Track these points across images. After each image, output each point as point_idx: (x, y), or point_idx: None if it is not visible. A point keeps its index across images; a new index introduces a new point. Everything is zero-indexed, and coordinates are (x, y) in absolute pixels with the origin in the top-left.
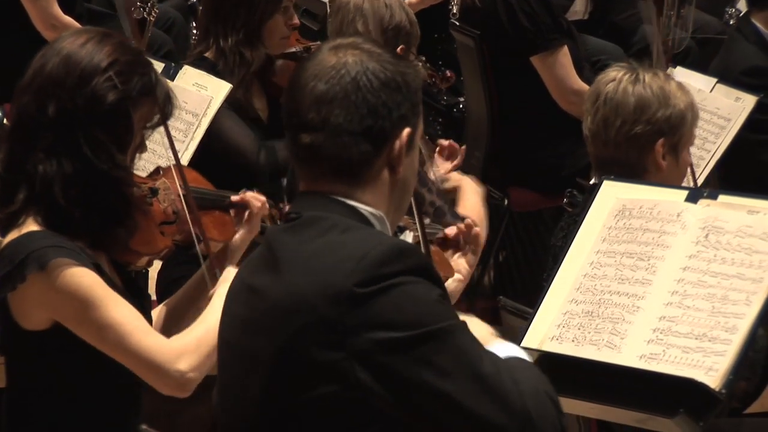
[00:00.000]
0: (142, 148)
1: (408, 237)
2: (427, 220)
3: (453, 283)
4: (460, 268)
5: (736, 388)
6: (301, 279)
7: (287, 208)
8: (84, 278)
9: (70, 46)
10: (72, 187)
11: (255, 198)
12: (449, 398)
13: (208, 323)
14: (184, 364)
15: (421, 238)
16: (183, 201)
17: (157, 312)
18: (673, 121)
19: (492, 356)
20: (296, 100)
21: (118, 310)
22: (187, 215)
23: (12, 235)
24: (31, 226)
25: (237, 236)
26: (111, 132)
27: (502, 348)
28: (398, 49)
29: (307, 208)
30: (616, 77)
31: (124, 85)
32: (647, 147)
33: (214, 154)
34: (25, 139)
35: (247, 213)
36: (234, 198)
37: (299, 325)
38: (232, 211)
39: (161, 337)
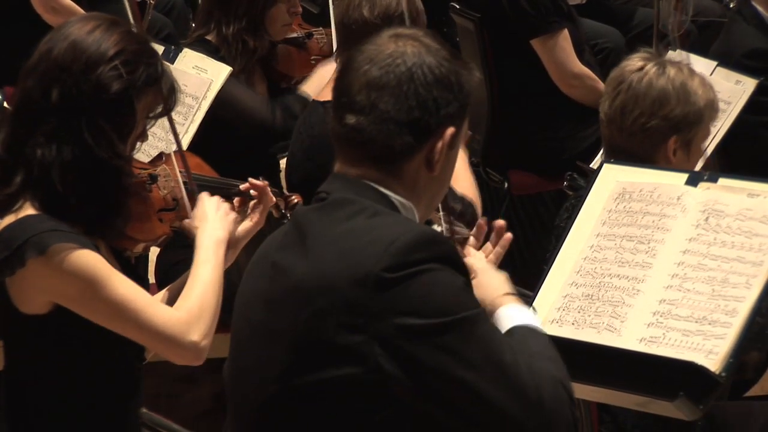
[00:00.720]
0: (143, 137)
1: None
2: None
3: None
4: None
5: (749, 359)
6: (328, 260)
7: (295, 198)
8: (87, 259)
9: (78, 33)
10: (70, 173)
11: (264, 188)
12: (469, 387)
13: (201, 285)
14: (195, 334)
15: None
16: (183, 187)
17: (159, 297)
18: (690, 119)
19: (510, 344)
20: (348, 81)
21: (125, 287)
22: (186, 200)
23: (8, 219)
24: (28, 209)
25: (242, 226)
26: (113, 120)
27: (519, 314)
28: None
29: (338, 189)
30: (643, 67)
31: (129, 75)
32: (660, 142)
33: (227, 123)
34: (27, 123)
35: (252, 203)
36: (243, 186)
37: (324, 306)
38: (236, 200)
39: (168, 309)
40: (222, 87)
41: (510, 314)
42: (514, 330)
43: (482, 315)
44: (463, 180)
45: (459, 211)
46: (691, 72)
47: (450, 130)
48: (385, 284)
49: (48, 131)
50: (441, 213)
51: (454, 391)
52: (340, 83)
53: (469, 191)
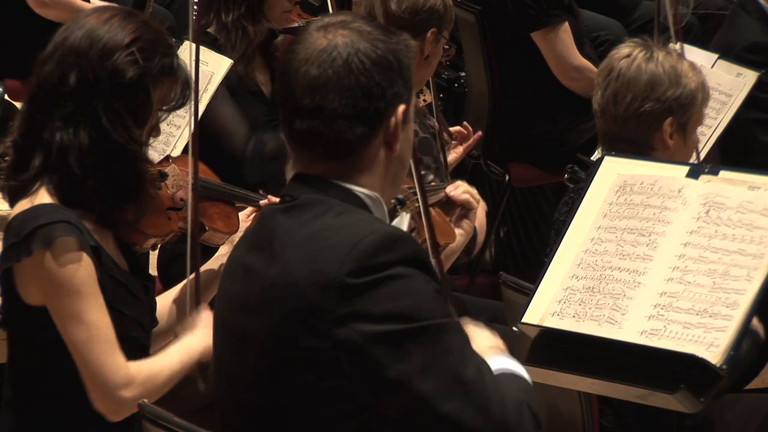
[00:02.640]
0: (156, 131)
1: (404, 219)
2: (431, 177)
3: (459, 239)
4: (462, 224)
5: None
6: (294, 263)
7: None
8: (80, 268)
9: (95, 21)
10: (88, 157)
11: None
12: (427, 399)
13: (163, 362)
14: (128, 393)
15: (421, 204)
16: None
17: (166, 302)
18: (683, 101)
19: (480, 363)
20: (289, 86)
21: (98, 314)
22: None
23: (23, 205)
24: (43, 196)
25: None
26: (130, 106)
27: (501, 362)
28: (429, 32)
29: (302, 190)
30: (630, 54)
31: (145, 62)
32: (655, 125)
33: (207, 138)
34: (45, 108)
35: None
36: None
37: (290, 310)
38: (249, 209)
39: (122, 359)
40: (213, 96)
41: (494, 362)
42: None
43: (451, 325)
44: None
45: (430, 163)
46: (680, 57)
47: (401, 108)
48: (349, 290)
49: (65, 115)
50: (413, 171)
51: (414, 402)
52: (282, 89)
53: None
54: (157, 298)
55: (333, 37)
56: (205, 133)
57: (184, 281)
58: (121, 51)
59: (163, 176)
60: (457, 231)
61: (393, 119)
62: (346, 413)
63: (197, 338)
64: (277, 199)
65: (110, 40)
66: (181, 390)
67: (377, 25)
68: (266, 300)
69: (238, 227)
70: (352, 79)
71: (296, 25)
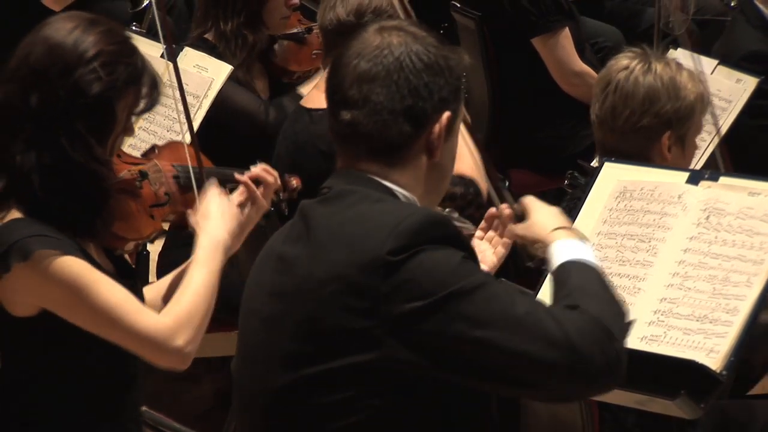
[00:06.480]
0: (128, 131)
1: None
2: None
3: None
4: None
5: (756, 358)
6: (334, 248)
7: (293, 180)
8: (71, 266)
9: (56, 34)
10: (49, 178)
11: (267, 172)
12: (488, 343)
13: (193, 289)
14: (180, 340)
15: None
16: (176, 183)
17: (154, 289)
18: (681, 114)
19: (531, 299)
20: (339, 77)
21: (109, 293)
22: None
23: None
24: (14, 214)
25: (246, 213)
26: (91, 124)
27: (566, 249)
28: None
29: (340, 183)
30: (628, 66)
31: (108, 76)
32: (653, 139)
33: (224, 124)
34: (7, 129)
35: (260, 189)
36: (241, 177)
37: (331, 293)
38: (241, 190)
39: (154, 315)
40: (220, 89)
41: (559, 250)
42: (562, 267)
43: (487, 280)
44: (464, 159)
45: (460, 193)
46: (679, 66)
47: (446, 115)
48: (392, 267)
49: (27, 137)
50: (446, 210)
51: (475, 353)
52: (332, 81)
53: (470, 171)
54: (150, 287)
55: (388, 37)
56: (218, 119)
57: (179, 268)
58: (83, 67)
59: (144, 175)
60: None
61: (437, 125)
62: (386, 391)
63: (210, 234)
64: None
65: (71, 56)
66: (185, 394)
67: (434, 33)
68: (304, 285)
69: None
70: (402, 76)
71: (296, 30)
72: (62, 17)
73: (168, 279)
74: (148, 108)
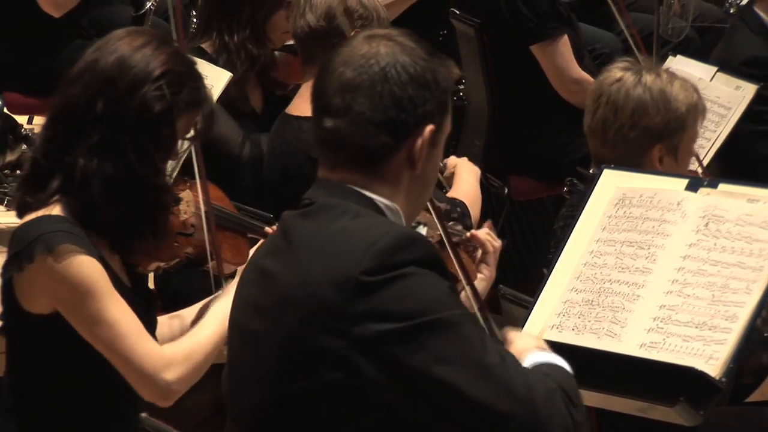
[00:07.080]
0: (174, 155)
1: (422, 231)
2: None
3: (480, 284)
4: (482, 269)
5: (749, 364)
6: (311, 264)
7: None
8: (89, 268)
9: (126, 48)
10: (111, 187)
11: None
12: (451, 385)
13: (200, 336)
14: (171, 374)
15: (445, 238)
16: (204, 216)
17: (167, 322)
18: (672, 126)
19: (501, 350)
20: (324, 84)
21: (117, 308)
22: (205, 228)
23: (29, 216)
24: (53, 210)
25: None
26: (156, 140)
27: (543, 357)
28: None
29: (321, 195)
30: (620, 78)
31: (173, 96)
32: (643, 151)
33: (203, 146)
34: (70, 131)
35: None
36: (269, 230)
37: (307, 311)
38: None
39: (154, 344)
40: None
41: (534, 357)
42: (533, 366)
43: (466, 317)
44: (462, 185)
45: (445, 210)
46: (671, 76)
47: (429, 128)
48: (365, 288)
49: (91, 143)
50: (433, 214)
51: (438, 392)
52: (317, 87)
53: (466, 198)
54: (160, 318)
55: (376, 46)
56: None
57: (200, 303)
58: (150, 84)
59: (177, 201)
60: (479, 275)
61: (420, 138)
62: (361, 413)
63: (230, 299)
64: None
65: (141, 71)
66: (184, 401)
67: (423, 44)
68: (282, 301)
69: (247, 259)
70: (386, 88)
71: (291, 43)
72: (132, 31)
73: (195, 309)
74: (199, 136)
